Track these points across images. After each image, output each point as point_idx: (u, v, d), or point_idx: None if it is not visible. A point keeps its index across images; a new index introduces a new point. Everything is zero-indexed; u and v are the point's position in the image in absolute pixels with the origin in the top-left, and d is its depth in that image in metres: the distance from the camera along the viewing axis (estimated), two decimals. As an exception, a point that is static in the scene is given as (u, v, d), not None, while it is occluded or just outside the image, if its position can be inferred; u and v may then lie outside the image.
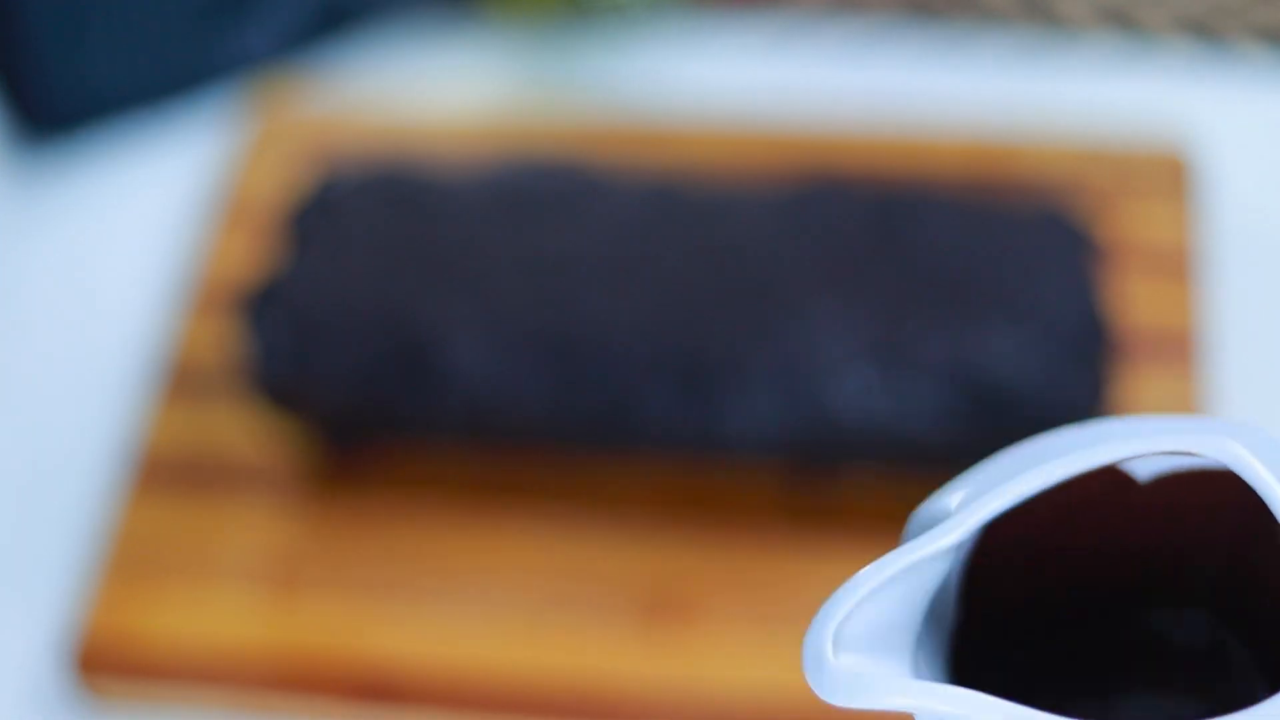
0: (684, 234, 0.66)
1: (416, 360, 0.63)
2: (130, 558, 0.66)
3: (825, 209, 0.66)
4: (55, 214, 0.79)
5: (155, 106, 0.80)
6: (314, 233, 0.67)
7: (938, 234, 0.65)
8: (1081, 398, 0.62)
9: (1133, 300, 0.70)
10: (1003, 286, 0.63)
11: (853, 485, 0.66)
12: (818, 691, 0.35)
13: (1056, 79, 0.80)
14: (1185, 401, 0.67)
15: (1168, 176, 0.74)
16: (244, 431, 0.69)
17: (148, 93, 0.80)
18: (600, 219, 0.66)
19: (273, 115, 0.79)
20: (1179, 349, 0.69)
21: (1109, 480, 0.37)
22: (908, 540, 0.36)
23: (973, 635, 0.39)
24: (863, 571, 0.35)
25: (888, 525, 0.65)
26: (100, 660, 0.63)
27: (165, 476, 0.68)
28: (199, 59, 0.80)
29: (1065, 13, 0.77)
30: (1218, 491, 0.37)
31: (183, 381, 0.71)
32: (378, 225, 0.66)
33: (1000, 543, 0.38)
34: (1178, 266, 0.71)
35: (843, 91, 0.81)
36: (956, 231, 0.65)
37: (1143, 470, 0.37)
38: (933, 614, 0.36)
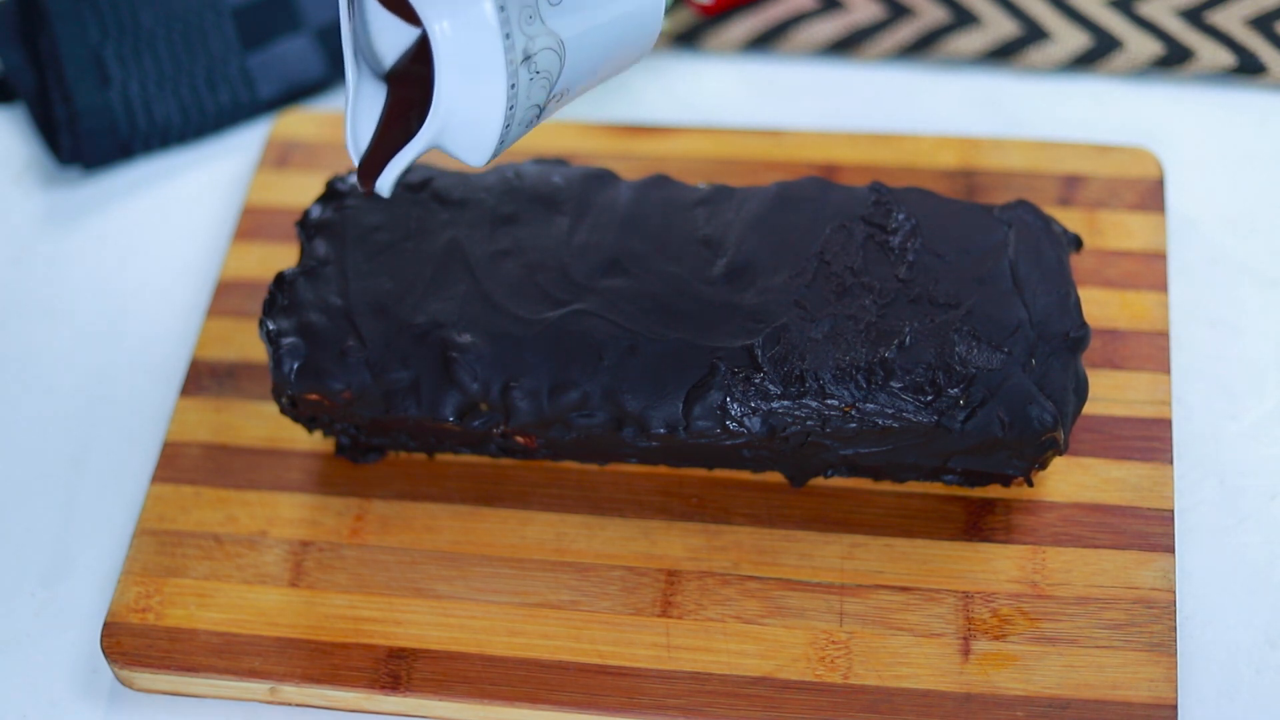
0: (678, 232, 0.67)
1: (426, 362, 0.64)
2: (157, 550, 0.67)
3: (811, 207, 0.67)
4: (90, 230, 0.80)
5: (180, 146, 0.82)
6: (325, 238, 0.68)
7: (919, 232, 0.66)
8: (1060, 393, 0.63)
9: (1106, 301, 0.71)
10: (983, 286, 0.65)
11: (847, 482, 0.67)
12: (383, 193, 0.58)
13: (1035, 84, 0.81)
14: (1156, 398, 0.69)
15: (1139, 182, 0.75)
16: (265, 428, 0.70)
17: (171, 136, 0.81)
18: (601, 218, 0.67)
19: (288, 125, 0.81)
20: (1150, 348, 0.70)
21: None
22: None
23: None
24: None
25: (882, 520, 0.66)
26: (129, 650, 0.64)
27: (192, 471, 0.69)
28: (220, 104, 0.82)
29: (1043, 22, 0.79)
30: None
31: (209, 380, 0.72)
32: (386, 229, 0.68)
33: None
34: (1148, 269, 0.72)
35: (828, 91, 0.82)
36: (936, 229, 0.66)
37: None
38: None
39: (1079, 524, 0.65)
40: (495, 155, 0.57)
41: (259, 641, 0.64)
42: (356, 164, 0.59)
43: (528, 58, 0.55)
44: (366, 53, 0.59)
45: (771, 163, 0.77)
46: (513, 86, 0.55)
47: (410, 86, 0.59)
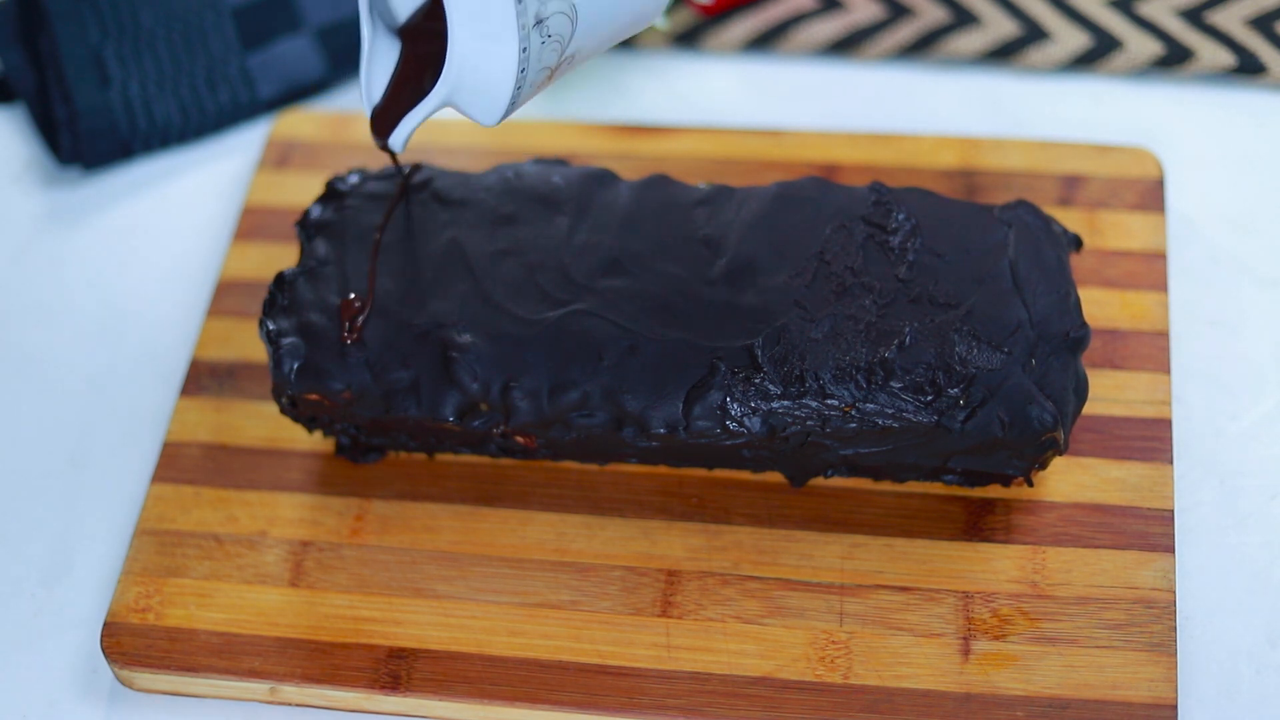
0: (678, 232, 0.67)
1: (426, 362, 0.64)
2: (157, 550, 0.67)
3: (811, 207, 0.67)
4: (90, 230, 0.80)
5: (180, 146, 0.82)
6: (325, 238, 0.68)
7: (919, 232, 0.66)
8: (1060, 393, 0.63)
9: (1106, 301, 0.71)
10: (983, 286, 0.65)
11: (847, 482, 0.67)
12: (396, 149, 0.60)
13: (1035, 84, 0.81)
14: (1156, 398, 0.69)
15: (1139, 182, 0.75)
16: (265, 428, 0.70)
17: (171, 136, 0.81)
18: (601, 218, 0.67)
19: (288, 125, 0.81)
20: (1150, 348, 0.70)
21: None
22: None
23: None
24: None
25: (882, 520, 0.66)
26: (129, 650, 0.64)
27: (192, 471, 0.69)
28: (220, 104, 0.82)
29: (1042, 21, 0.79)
30: None
31: (209, 380, 0.72)
32: (386, 229, 0.68)
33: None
34: (1148, 269, 0.72)
35: (828, 91, 0.82)
36: (936, 229, 0.66)
37: None
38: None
39: (1079, 524, 0.65)
40: (506, 116, 0.58)
41: (259, 641, 0.64)
42: (370, 118, 0.60)
43: (540, 21, 0.55)
44: (381, 7, 0.59)
45: (771, 163, 0.77)
46: (524, 50, 0.55)
47: (424, 43, 0.59)
